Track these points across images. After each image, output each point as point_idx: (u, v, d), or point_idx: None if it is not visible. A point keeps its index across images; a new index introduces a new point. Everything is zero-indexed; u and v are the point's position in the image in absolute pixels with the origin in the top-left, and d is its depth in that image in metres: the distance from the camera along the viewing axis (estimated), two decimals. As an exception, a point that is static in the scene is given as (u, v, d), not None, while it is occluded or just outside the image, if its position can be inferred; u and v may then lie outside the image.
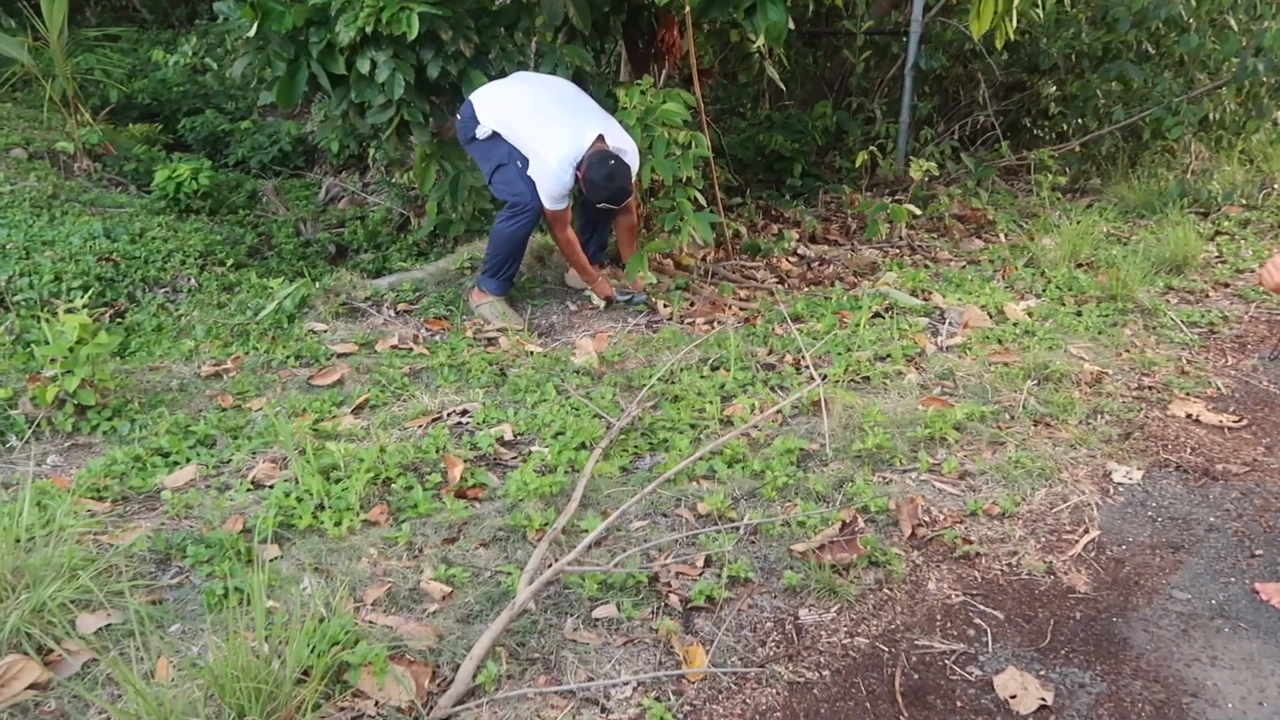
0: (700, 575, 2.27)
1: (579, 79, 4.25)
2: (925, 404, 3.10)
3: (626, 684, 1.93)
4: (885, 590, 2.25)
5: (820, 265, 4.79)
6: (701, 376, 3.33)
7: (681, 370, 3.37)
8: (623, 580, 2.20)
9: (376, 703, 1.82)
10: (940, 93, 6.94)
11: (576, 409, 3.08)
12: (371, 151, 5.86)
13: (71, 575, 2.05)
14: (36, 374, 3.07)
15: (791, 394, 3.17)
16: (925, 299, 4.09)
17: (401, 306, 4.03)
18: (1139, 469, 2.78)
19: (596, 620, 2.10)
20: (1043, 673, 1.99)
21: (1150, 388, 3.32)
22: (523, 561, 2.28)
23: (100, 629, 2.01)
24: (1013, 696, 1.91)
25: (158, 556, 2.31)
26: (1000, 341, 3.65)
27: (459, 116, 3.87)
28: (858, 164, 5.63)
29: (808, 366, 3.36)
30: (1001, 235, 5.21)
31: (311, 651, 1.80)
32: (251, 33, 3.93)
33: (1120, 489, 2.69)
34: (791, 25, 4.09)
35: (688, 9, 4.02)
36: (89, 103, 6.70)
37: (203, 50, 7.57)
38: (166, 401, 3.17)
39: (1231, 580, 2.30)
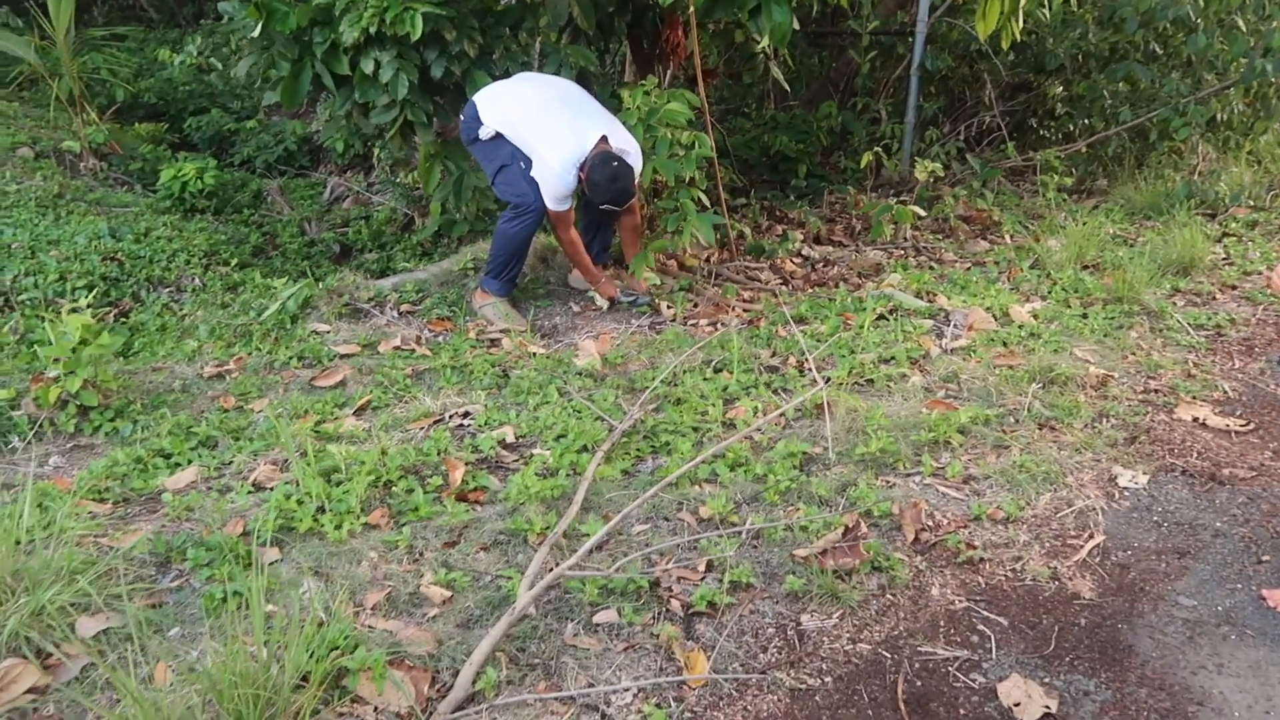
0: (702, 580, 2.25)
1: (583, 79, 4.24)
2: (929, 407, 3.08)
3: (627, 690, 1.92)
4: (888, 596, 2.23)
5: (824, 266, 4.77)
6: (704, 379, 3.32)
7: (684, 372, 3.36)
8: (624, 585, 2.19)
9: (375, 709, 1.82)
10: (946, 93, 6.92)
11: (579, 411, 3.07)
12: (376, 151, 5.86)
13: (71, 578, 2.05)
14: (39, 374, 3.07)
15: (795, 397, 3.16)
16: (930, 301, 4.08)
17: (404, 307, 4.03)
18: (1145, 473, 2.77)
19: (597, 625, 2.09)
20: (1047, 680, 1.97)
21: (1156, 391, 3.29)
22: (523, 566, 2.27)
23: (100, 632, 2.01)
24: (1016, 704, 1.90)
25: (158, 559, 2.30)
26: (1005, 344, 3.63)
27: (462, 117, 3.86)
28: (863, 165, 5.61)
29: (811, 369, 3.34)
30: (1007, 237, 5.18)
31: (310, 657, 1.80)
32: (256, 33, 3.93)
33: (1126, 494, 2.68)
34: (796, 25, 4.07)
35: (692, 9, 4.00)
36: (95, 102, 6.72)
37: (208, 50, 7.59)
38: (169, 402, 3.17)
39: (1238, 586, 2.28)
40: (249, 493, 2.60)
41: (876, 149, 5.63)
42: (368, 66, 3.92)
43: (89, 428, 2.96)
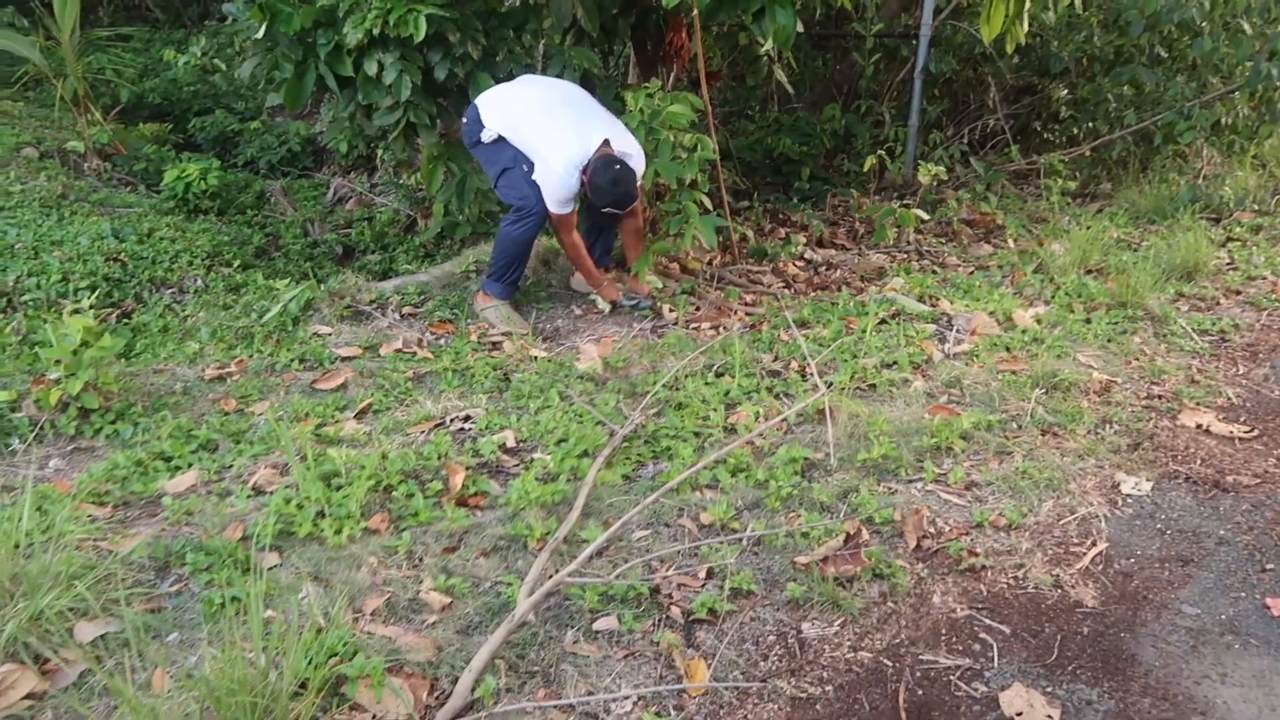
0: (702, 587, 2.25)
1: (587, 82, 4.23)
2: (932, 412, 3.07)
3: (627, 698, 1.91)
4: (889, 603, 2.22)
5: (827, 270, 4.76)
6: (706, 383, 3.31)
7: (686, 376, 3.35)
8: (624, 592, 2.18)
9: (374, 716, 1.81)
10: (950, 96, 6.90)
11: (580, 415, 3.06)
12: (379, 153, 5.86)
13: (70, 583, 2.05)
14: (41, 376, 3.07)
15: (797, 402, 3.15)
16: (933, 305, 4.06)
17: (406, 310, 4.02)
18: (1148, 480, 2.75)
19: (597, 633, 2.09)
20: (1049, 689, 1.96)
21: (1160, 397, 3.28)
22: (523, 571, 2.26)
23: (98, 638, 2.00)
24: (1019, 714, 1.88)
25: (157, 564, 2.30)
26: (1008, 349, 3.61)
27: (464, 120, 3.86)
28: (866, 168, 5.60)
29: (813, 374, 3.33)
30: (1010, 240, 5.17)
31: (309, 663, 1.79)
32: (260, 34, 3.93)
33: (1129, 501, 2.66)
34: (800, 28, 4.06)
35: (696, 12, 4.00)
36: (100, 102, 6.72)
37: (212, 51, 7.59)
38: (170, 405, 3.16)
39: (1242, 595, 2.27)
40: (249, 496, 2.60)
41: (880, 152, 5.62)
42: (371, 68, 3.91)
43: (90, 430, 2.96)
